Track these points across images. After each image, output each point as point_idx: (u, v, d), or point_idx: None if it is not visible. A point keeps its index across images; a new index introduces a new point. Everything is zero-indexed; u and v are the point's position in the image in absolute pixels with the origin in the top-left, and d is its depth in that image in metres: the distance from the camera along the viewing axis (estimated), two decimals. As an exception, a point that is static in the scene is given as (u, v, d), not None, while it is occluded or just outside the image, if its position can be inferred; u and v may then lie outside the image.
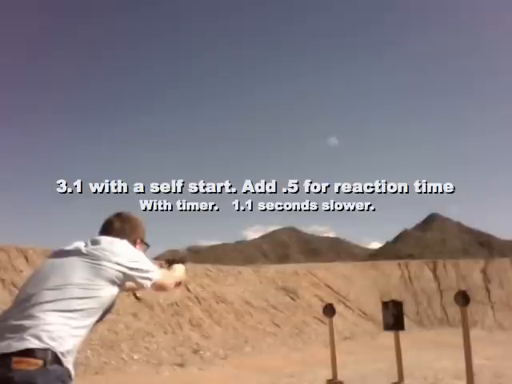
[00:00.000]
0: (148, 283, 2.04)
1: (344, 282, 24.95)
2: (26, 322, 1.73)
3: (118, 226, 2.19)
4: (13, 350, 1.66)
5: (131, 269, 1.97)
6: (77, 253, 1.97)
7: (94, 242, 2.03)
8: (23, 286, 1.97)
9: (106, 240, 2.04)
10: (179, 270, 2.43)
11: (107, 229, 2.19)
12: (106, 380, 8.10)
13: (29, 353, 1.66)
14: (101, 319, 1.97)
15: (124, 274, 1.95)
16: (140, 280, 2.02)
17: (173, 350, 10.72)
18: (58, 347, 1.72)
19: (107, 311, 1.99)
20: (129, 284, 2.03)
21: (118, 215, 2.25)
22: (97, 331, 9.78)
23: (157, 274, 2.09)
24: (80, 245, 2.02)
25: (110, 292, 1.92)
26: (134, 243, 2.18)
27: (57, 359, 1.71)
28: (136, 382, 8.21)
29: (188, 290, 14.54)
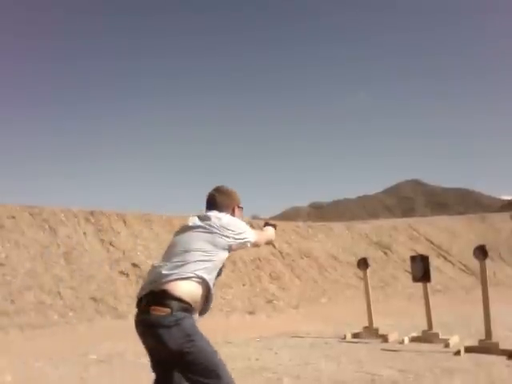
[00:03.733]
0: (248, 244, 2.86)
1: (448, 236, 24.29)
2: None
3: (219, 199, 2.98)
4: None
5: (237, 238, 2.76)
6: (196, 227, 2.76)
7: (206, 218, 2.78)
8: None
9: (214, 216, 2.79)
10: (270, 231, 3.21)
11: (212, 203, 2.97)
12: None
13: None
14: (215, 278, 2.84)
15: (232, 241, 2.74)
16: (243, 243, 2.83)
17: (247, 299, 11.59)
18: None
19: (220, 272, 2.83)
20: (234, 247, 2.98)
21: (217, 189, 3.04)
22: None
23: (253, 235, 2.90)
24: (196, 220, 2.80)
25: (222, 256, 2.71)
26: (232, 210, 3.01)
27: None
28: (203, 325, 9.36)
29: (273, 246, 15.36)
